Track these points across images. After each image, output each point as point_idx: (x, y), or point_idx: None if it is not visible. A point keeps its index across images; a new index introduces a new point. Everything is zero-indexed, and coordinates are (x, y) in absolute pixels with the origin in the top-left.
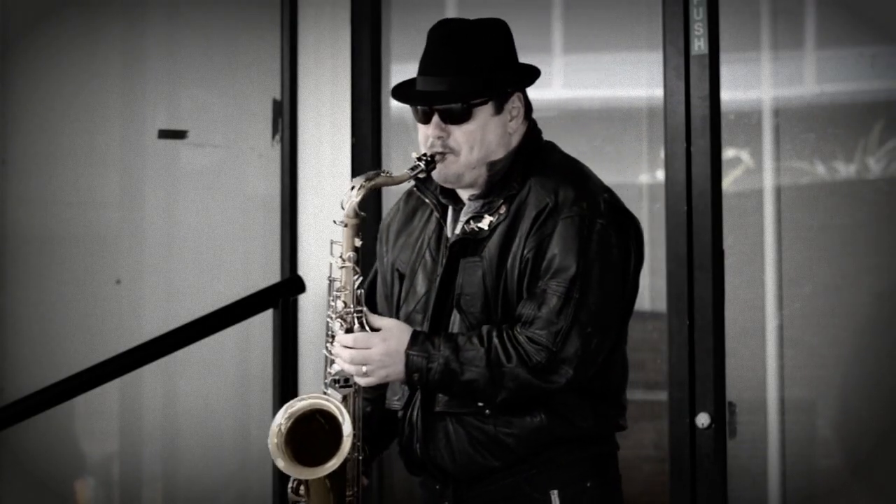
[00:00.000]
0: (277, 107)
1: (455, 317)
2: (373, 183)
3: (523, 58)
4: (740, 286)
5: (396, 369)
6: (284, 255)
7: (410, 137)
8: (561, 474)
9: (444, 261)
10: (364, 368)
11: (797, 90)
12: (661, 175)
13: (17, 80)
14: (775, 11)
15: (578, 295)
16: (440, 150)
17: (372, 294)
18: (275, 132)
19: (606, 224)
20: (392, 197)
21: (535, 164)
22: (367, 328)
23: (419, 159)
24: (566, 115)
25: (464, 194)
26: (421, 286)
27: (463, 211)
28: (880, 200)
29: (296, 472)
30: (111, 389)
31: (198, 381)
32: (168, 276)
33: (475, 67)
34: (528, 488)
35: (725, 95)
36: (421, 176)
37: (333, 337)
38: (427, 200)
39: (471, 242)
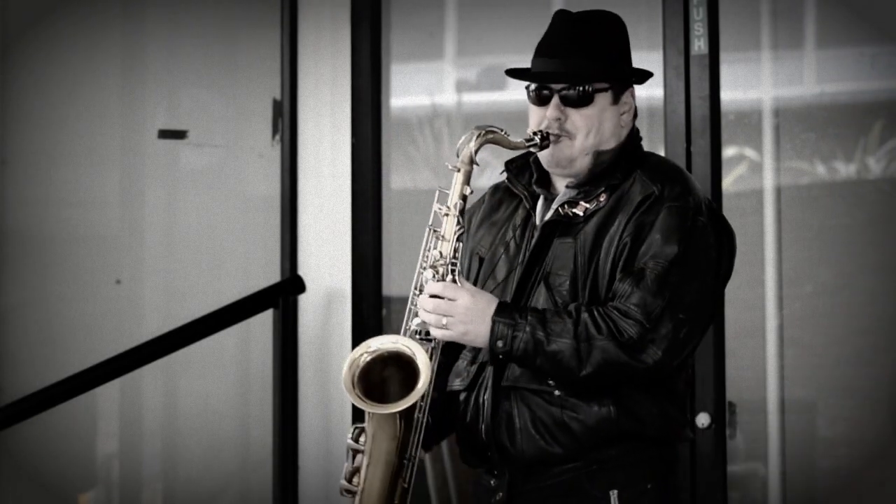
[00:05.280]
0: (277, 107)
1: (541, 293)
2: (490, 136)
3: (523, 57)
4: (740, 286)
5: (477, 330)
6: (284, 255)
7: (411, 137)
8: (622, 474)
9: (532, 242)
10: (445, 320)
11: (797, 90)
12: None
13: (17, 80)
14: (775, 11)
15: (676, 279)
16: (556, 131)
17: None
18: (275, 132)
19: (707, 223)
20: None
21: (640, 159)
22: (458, 282)
23: (535, 134)
24: None
25: (559, 183)
26: (501, 270)
27: (556, 199)
28: (880, 200)
29: (370, 408)
30: (111, 390)
31: (198, 381)
32: (168, 276)
33: (598, 52)
34: (587, 486)
35: (725, 95)
36: (533, 150)
37: (421, 290)
38: (517, 191)
39: (563, 225)
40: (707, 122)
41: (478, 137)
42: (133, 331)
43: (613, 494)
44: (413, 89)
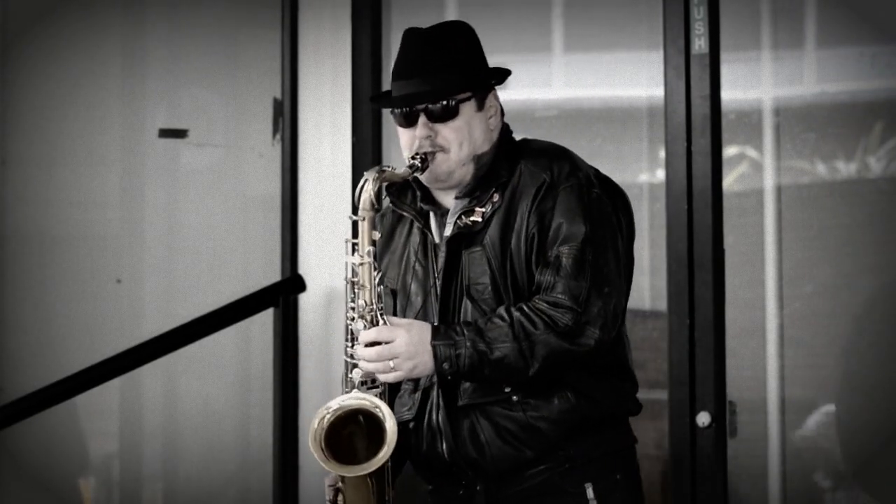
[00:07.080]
0: (278, 106)
1: (467, 307)
2: (384, 176)
3: (523, 57)
4: (740, 286)
5: (423, 360)
6: (285, 255)
7: None
8: (593, 468)
9: (440, 261)
10: (392, 362)
11: (797, 90)
12: (661, 175)
13: (17, 80)
14: (775, 11)
15: (591, 257)
16: (430, 149)
17: None
18: (275, 132)
19: (601, 193)
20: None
21: (519, 151)
22: (387, 323)
23: (413, 158)
24: (566, 115)
25: (445, 198)
26: (416, 297)
27: (450, 213)
28: (880, 200)
29: (343, 471)
30: (111, 389)
31: (198, 381)
32: (168, 276)
33: (454, 65)
34: (561, 483)
35: (726, 95)
36: (417, 174)
37: (352, 340)
38: (405, 213)
39: (466, 237)
40: (707, 122)
41: (374, 181)
42: (133, 331)
43: (588, 487)
44: None
